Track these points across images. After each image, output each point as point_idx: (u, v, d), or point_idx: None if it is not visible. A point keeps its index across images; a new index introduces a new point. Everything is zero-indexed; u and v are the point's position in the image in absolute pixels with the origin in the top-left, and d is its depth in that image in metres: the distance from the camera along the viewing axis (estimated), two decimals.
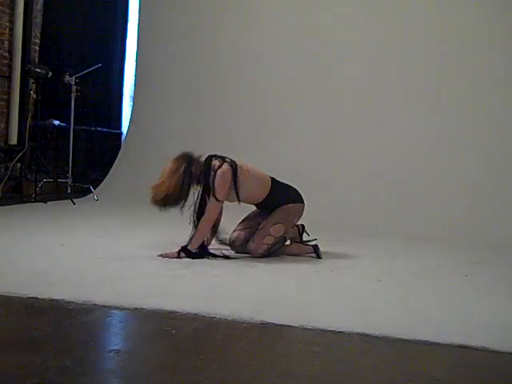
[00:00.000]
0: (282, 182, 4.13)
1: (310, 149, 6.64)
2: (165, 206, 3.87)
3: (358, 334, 2.39)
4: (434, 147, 6.26)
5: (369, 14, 6.73)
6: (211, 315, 2.53)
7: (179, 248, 3.84)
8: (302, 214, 4.10)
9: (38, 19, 7.11)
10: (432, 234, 5.24)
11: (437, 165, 6.16)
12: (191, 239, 3.87)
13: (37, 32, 7.11)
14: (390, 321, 2.58)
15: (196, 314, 2.54)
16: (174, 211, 3.86)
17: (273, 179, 4.06)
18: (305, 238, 4.26)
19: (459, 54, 6.36)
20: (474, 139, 6.13)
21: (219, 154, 3.99)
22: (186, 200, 3.87)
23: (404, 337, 2.37)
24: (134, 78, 8.23)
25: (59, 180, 6.73)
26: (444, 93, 6.35)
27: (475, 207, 5.76)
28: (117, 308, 2.60)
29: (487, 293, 3.25)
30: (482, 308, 2.90)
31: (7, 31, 6.64)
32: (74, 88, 6.79)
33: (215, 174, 3.82)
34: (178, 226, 5.12)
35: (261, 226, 3.98)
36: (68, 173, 6.80)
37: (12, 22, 6.66)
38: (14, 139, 6.69)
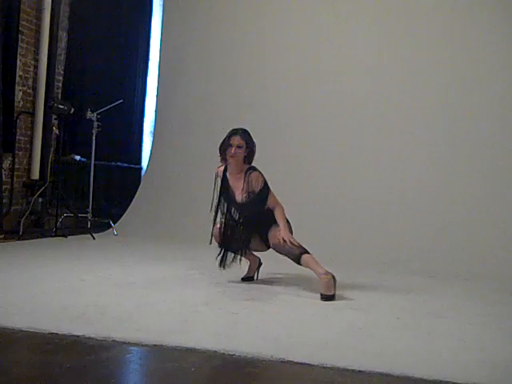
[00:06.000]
0: None
1: (324, 183, 6.66)
2: None
3: (378, 373, 2.37)
4: (451, 182, 6.25)
5: (380, 35, 6.85)
6: (230, 353, 2.52)
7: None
8: None
9: (61, 57, 7.26)
10: (452, 271, 5.20)
11: (455, 200, 6.13)
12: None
13: (60, 69, 7.25)
14: (411, 360, 2.55)
15: (215, 352, 2.53)
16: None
17: None
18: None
19: (472, 85, 6.40)
20: (492, 175, 6.11)
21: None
22: None
23: (425, 377, 2.34)
24: (154, 113, 8.34)
25: (79, 215, 6.79)
26: (459, 126, 6.38)
27: (496, 243, 5.71)
28: (136, 345, 2.60)
29: (510, 332, 3.21)
30: (506, 348, 2.86)
31: (32, 69, 6.78)
32: (95, 124, 6.90)
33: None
34: (196, 261, 5.17)
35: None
36: (88, 207, 6.86)
37: (37, 59, 6.80)
38: (36, 174, 6.78)
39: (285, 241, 4.00)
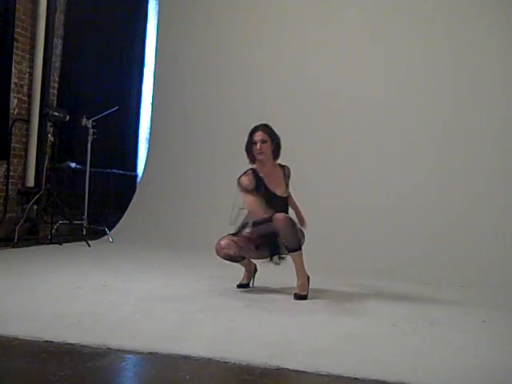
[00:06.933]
0: None
1: (328, 193, 6.66)
2: None
3: (374, 380, 2.36)
4: (448, 189, 6.26)
5: (383, 39, 6.92)
6: (226, 360, 2.51)
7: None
8: None
9: (56, 64, 7.25)
10: (449, 278, 5.19)
11: (453, 207, 6.14)
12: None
13: (55, 76, 7.25)
14: (407, 367, 2.54)
15: (210, 359, 2.52)
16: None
17: None
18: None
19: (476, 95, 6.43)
20: (489, 183, 6.13)
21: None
22: None
23: None
24: (149, 120, 8.35)
25: (75, 222, 6.78)
26: (458, 134, 6.40)
27: (493, 250, 5.72)
28: (131, 352, 2.59)
29: (505, 339, 3.21)
30: (500, 355, 2.85)
31: (27, 76, 6.78)
32: (90, 131, 6.90)
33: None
34: (192, 268, 5.16)
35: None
36: (83, 215, 6.85)
37: (32, 66, 6.80)
38: (31, 181, 6.77)
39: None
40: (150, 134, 8.23)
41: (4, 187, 6.48)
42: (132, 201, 7.80)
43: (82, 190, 7.01)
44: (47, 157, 6.93)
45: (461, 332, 3.28)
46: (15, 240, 6.11)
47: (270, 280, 4.55)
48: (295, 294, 4.00)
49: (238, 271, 4.38)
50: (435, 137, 6.48)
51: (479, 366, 2.63)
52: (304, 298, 3.98)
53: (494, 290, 4.78)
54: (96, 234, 7.02)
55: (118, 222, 7.53)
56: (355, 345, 2.89)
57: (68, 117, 6.74)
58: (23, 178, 6.78)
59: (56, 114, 6.60)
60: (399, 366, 2.56)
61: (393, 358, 2.67)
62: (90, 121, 6.90)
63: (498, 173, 6.15)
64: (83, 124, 6.87)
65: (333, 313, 3.63)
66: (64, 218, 6.72)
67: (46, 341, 2.67)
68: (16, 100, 6.63)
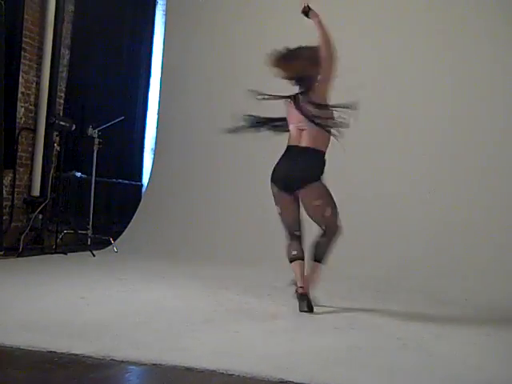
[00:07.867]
0: None
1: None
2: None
3: None
4: (456, 201, 6.22)
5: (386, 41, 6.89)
6: (230, 372, 2.50)
7: None
8: None
9: (63, 74, 7.28)
10: (454, 292, 5.16)
11: (458, 221, 6.10)
12: None
13: (62, 86, 7.27)
14: (411, 381, 2.53)
15: (214, 371, 2.51)
16: None
17: None
18: None
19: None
20: (500, 197, 6.08)
21: None
22: None
23: None
24: (155, 130, 8.37)
25: (80, 231, 6.77)
26: (462, 142, 6.37)
27: (500, 263, 5.68)
28: (135, 363, 2.58)
29: (511, 353, 3.19)
30: (506, 368, 2.84)
31: (34, 85, 6.80)
32: (96, 140, 6.92)
33: None
34: (196, 278, 5.15)
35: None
36: (88, 224, 6.85)
37: (39, 76, 6.83)
38: (36, 190, 6.77)
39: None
40: (156, 143, 8.25)
41: (10, 196, 6.49)
42: (137, 211, 7.80)
43: (87, 200, 7.01)
44: (53, 166, 6.94)
45: (465, 346, 3.26)
46: (20, 249, 6.11)
47: (275, 292, 4.54)
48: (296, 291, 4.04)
49: (243, 282, 4.37)
50: (440, 146, 6.43)
51: (484, 379, 2.61)
52: (304, 296, 3.98)
53: (498, 303, 4.74)
54: (101, 243, 7.01)
55: (122, 231, 7.52)
56: (360, 357, 2.88)
57: (74, 126, 6.76)
58: (29, 187, 6.79)
59: (62, 123, 6.62)
60: (404, 379, 2.55)
61: (396, 371, 2.66)
62: (96, 130, 6.91)
63: (507, 184, 6.10)
64: (89, 134, 6.88)
65: (337, 325, 3.61)
66: (69, 227, 6.72)
67: (50, 351, 2.67)
68: (23, 109, 6.65)
